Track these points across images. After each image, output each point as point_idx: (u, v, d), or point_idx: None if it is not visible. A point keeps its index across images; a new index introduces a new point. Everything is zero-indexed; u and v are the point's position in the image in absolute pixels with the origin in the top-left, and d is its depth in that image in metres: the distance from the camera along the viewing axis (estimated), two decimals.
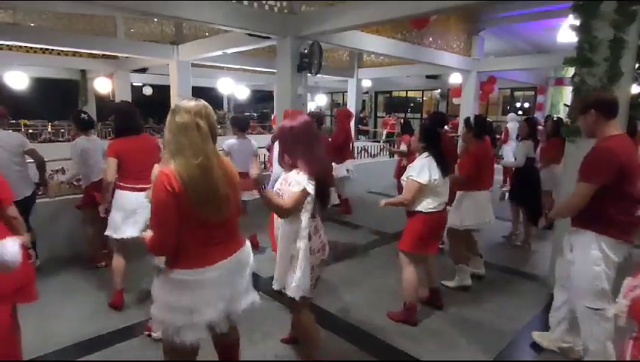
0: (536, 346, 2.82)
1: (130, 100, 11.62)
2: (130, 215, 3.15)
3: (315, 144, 2.26)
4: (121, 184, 3.19)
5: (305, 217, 2.16)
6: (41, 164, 3.81)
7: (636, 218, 2.32)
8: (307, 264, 2.17)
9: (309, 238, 2.18)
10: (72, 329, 2.92)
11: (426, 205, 2.98)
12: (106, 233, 3.23)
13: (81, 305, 3.29)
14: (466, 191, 3.72)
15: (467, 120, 3.94)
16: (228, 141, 4.26)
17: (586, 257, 2.30)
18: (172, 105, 1.78)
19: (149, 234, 1.74)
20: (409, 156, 4.34)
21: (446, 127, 5.52)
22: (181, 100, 1.77)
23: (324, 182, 2.25)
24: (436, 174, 2.94)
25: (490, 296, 3.60)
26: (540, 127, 5.94)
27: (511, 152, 8.03)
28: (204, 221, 1.73)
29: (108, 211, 3.25)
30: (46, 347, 2.68)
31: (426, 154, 3.00)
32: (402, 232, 3.14)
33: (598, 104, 2.30)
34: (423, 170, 2.92)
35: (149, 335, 2.78)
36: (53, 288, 3.53)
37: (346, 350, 2.78)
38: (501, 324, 3.14)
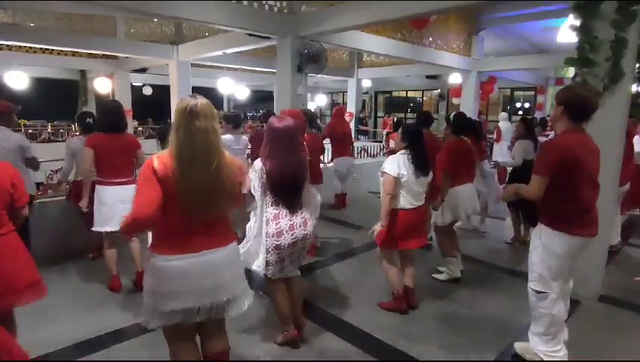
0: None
1: (130, 100, 11.69)
2: (111, 207, 3.35)
3: (287, 148, 2.48)
4: (100, 179, 3.40)
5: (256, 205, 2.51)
6: (34, 167, 3.83)
7: (585, 211, 2.37)
8: (256, 244, 2.51)
9: (267, 223, 2.47)
10: (67, 328, 2.92)
11: (399, 202, 3.06)
12: (93, 229, 3.42)
13: (77, 303, 3.30)
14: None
15: (447, 117, 4.07)
16: (224, 137, 4.31)
17: (533, 244, 2.52)
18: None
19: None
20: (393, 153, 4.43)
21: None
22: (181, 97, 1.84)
23: (279, 181, 2.45)
24: (405, 170, 2.99)
25: (491, 297, 3.60)
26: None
27: (500, 152, 8.05)
28: (188, 215, 1.78)
29: (89, 205, 3.45)
30: (46, 347, 2.67)
31: (402, 151, 3.07)
32: None
33: (568, 104, 2.33)
34: (392, 163, 3.02)
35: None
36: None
37: (346, 350, 2.78)
38: (501, 324, 3.14)
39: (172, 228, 1.81)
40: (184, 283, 1.80)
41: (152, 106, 14.72)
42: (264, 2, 5.57)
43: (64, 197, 4.35)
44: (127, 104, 11.58)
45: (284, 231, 2.47)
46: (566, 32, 4.74)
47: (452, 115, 4.01)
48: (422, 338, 2.92)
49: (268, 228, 2.47)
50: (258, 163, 2.48)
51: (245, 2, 5.38)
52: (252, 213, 2.57)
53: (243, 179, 1.99)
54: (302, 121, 3.38)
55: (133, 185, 3.36)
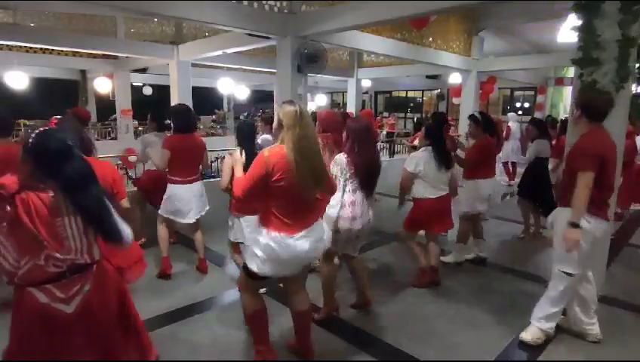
0: (536, 346, 2.82)
1: (130, 100, 11.68)
2: (182, 206, 3.76)
3: (369, 143, 2.92)
4: (172, 178, 3.76)
5: (337, 193, 2.79)
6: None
7: (609, 198, 2.66)
8: (329, 225, 2.80)
9: (342, 207, 2.85)
10: None
11: (418, 192, 3.57)
12: (161, 213, 3.84)
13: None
14: (473, 179, 4.16)
15: (474, 117, 4.32)
16: (264, 136, 4.45)
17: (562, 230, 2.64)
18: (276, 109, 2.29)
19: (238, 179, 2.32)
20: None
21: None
22: (282, 105, 2.25)
23: (366, 171, 2.88)
24: (423, 166, 3.47)
25: (492, 296, 3.60)
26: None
27: (510, 150, 8.28)
28: (299, 196, 2.19)
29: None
30: None
31: (423, 148, 3.53)
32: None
33: (586, 107, 2.60)
34: (412, 160, 3.50)
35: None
36: None
37: (346, 350, 2.78)
38: (502, 324, 3.14)
39: (290, 208, 2.21)
40: (297, 255, 2.23)
41: (153, 106, 14.71)
42: (264, 2, 5.56)
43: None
44: (127, 104, 11.56)
45: (357, 217, 2.89)
46: (566, 32, 4.75)
47: (478, 114, 4.38)
48: (422, 338, 2.92)
49: (342, 212, 2.85)
50: (342, 157, 2.86)
51: (245, 2, 5.37)
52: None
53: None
54: (338, 121, 3.59)
55: (200, 182, 3.86)
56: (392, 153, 10.29)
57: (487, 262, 4.34)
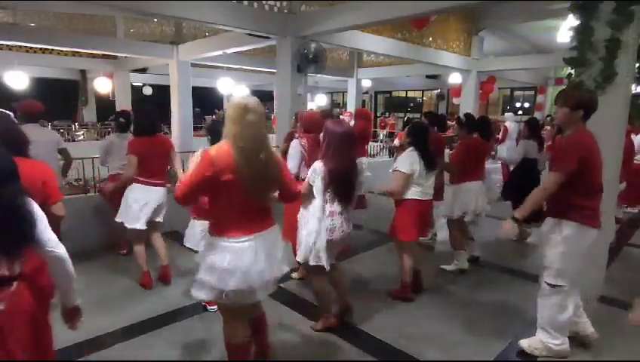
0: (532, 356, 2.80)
1: (130, 100, 11.70)
2: (142, 207, 3.44)
3: (348, 149, 2.67)
4: (136, 178, 3.45)
5: (315, 202, 2.63)
6: (69, 163, 4.06)
7: (598, 204, 2.50)
8: (306, 238, 2.65)
9: (322, 220, 2.62)
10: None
11: (410, 193, 3.33)
12: (118, 220, 3.51)
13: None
14: (457, 183, 4.06)
15: (458, 118, 4.37)
16: None
17: (550, 240, 2.54)
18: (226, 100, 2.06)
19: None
20: (399, 150, 4.55)
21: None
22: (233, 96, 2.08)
23: (342, 178, 2.63)
24: (417, 166, 3.26)
25: (491, 296, 3.60)
26: (547, 128, 6.11)
27: (506, 151, 8.22)
28: (248, 199, 1.99)
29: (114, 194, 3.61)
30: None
31: (411, 148, 3.34)
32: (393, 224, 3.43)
33: (587, 107, 2.47)
34: (405, 161, 3.28)
35: (205, 309, 3.17)
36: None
37: (346, 350, 2.78)
38: (501, 324, 3.14)
39: (237, 212, 2.00)
40: (252, 261, 1.98)
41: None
42: (264, 2, 5.57)
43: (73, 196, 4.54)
44: (127, 104, 11.58)
45: (336, 228, 2.67)
46: (566, 31, 4.77)
47: (463, 115, 4.32)
48: (422, 339, 2.92)
49: (322, 224, 2.64)
50: (319, 164, 2.63)
51: (245, 2, 5.38)
52: (304, 209, 2.74)
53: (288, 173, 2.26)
54: (321, 122, 3.49)
55: (164, 188, 3.59)
56: (391, 153, 10.26)
57: (482, 262, 4.33)
